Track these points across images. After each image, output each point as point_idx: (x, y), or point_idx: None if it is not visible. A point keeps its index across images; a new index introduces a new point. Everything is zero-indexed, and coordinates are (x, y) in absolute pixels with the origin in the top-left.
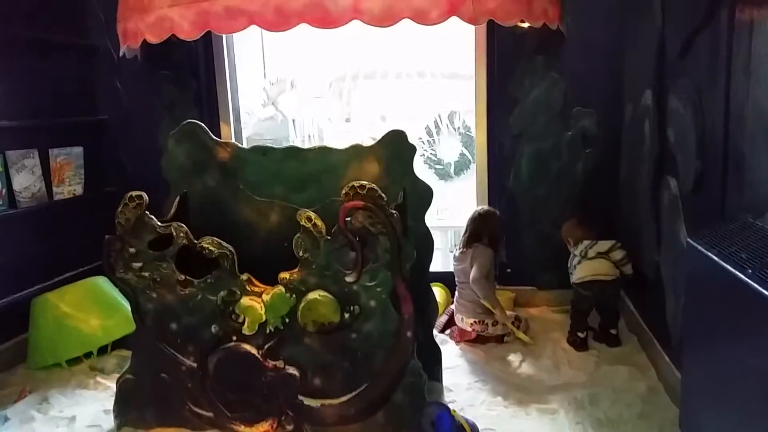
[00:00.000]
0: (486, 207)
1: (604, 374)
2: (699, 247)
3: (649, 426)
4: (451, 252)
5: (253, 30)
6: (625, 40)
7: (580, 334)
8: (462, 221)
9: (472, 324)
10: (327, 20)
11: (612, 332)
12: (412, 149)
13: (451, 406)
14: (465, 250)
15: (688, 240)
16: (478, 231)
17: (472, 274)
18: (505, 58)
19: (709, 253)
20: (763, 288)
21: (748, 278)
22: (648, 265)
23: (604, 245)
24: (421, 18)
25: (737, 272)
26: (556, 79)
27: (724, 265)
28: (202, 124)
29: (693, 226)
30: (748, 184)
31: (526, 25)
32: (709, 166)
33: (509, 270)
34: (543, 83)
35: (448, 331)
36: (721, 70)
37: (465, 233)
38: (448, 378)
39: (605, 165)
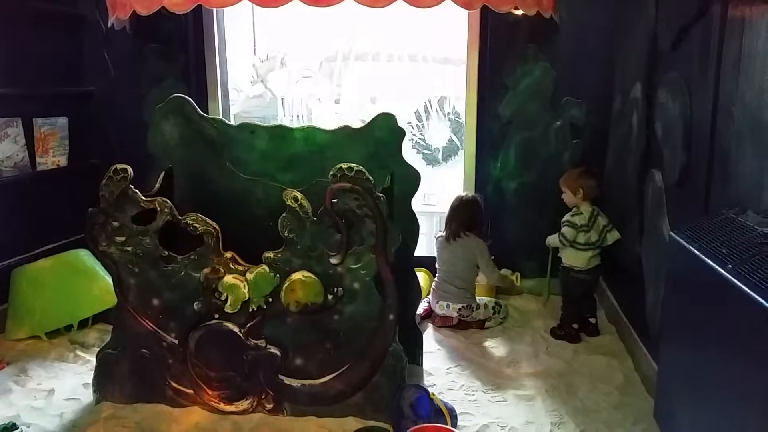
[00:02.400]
0: (469, 193)
1: (582, 363)
2: (681, 241)
3: (624, 416)
4: (435, 237)
5: (245, 5)
6: (618, 32)
7: (574, 326)
8: (448, 207)
9: (459, 309)
10: None
11: (592, 321)
12: (401, 133)
13: (430, 389)
14: (453, 239)
15: (671, 233)
16: (465, 219)
17: (488, 274)
18: (498, 45)
19: (691, 247)
20: (743, 284)
21: (728, 273)
22: (630, 257)
23: (609, 239)
24: (416, 0)
25: (718, 267)
26: (548, 68)
27: (705, 259)
28: (190, 99)
29: (676, 219)
30: (733, 180)
31: (519, 12)
32: (695, 161)
33: (492, 257)
34: (534, 72)
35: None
36: (711, 65)
37: (451, 221)
38: (428, 362)
39: (592, 155)
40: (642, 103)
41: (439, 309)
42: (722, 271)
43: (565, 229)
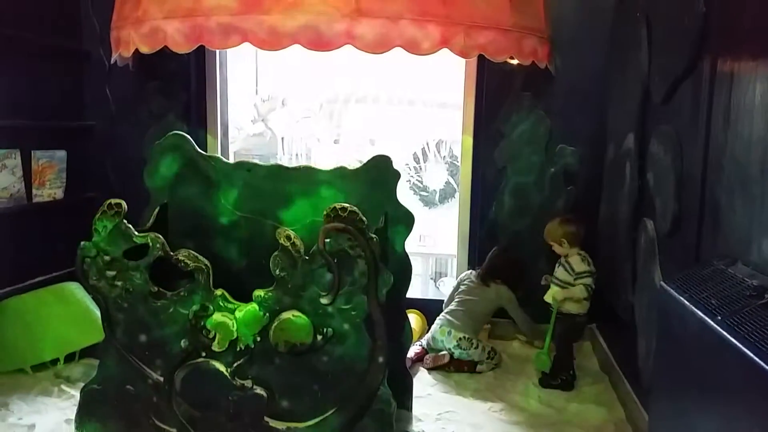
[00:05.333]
0: (508, 243)
1: (573, 412)
2: (671, 291)
3: None
4: (433, 278)
5: (247, 47)
6: (611, 83)
7: (570, 372)
8: (445, 249)
9: (459, 339)
10: (320, 43)
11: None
12: (396, 175)
13: None
14: (486, 283)
15: (661, 283)
16: (504, 272)
17: (522, 322)
18: (494, 92)
19: (681, 298)
20: (731, 335)
21: (718, 325)
22: (622, 305)
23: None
24: (413, 48)
25: (707, 318)
26: (542, 116)
27: (695, 310)
28: (188, 136)
29: (668, 269)
30: (723, 231)
31: (515, 61)
32: (686, 211)
33: None
34: (529, 119)
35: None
36: (702, 118)
37: (492, 267)
38: (418, 407)
39: (586, 203)
40: (634, 153)
41: (440, 335)
42: (711, 323)
43: (586, 280)
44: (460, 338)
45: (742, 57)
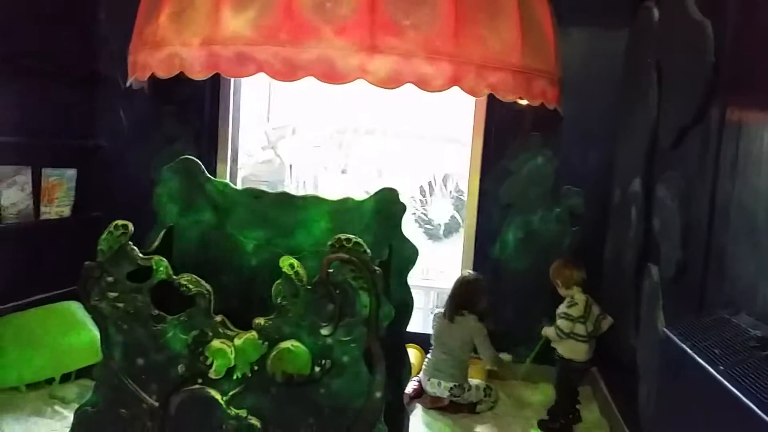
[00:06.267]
0: (472, 273)
1: None
2: (674, 338)
3: None
4: (432, 313)
5: (262, 76)
6: (620, 127)
7: (570, 416)
8: (447, 283)
9: (450, 388)
10: (333, 76)
11: (577, 408)
12: (402, 208)
13: None
14: (452, 319)
15: (665, 330)
16: (465, 299)
17: (487, 356)
18: (502, 131)
19: (684, 345)
20: (733, 386)
21: (720, 374)
22: (624, 350)
23: (604, 326)
24: (425, 84)
25: (709, 367)
26: (550, 156)
27: (697, 359)
28: (198, 161)
29: (671, 315)
30: (728, 279)
31: (524, 102)
32: (691, 258)
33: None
34: (536, 159)
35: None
36: (709, 166)
37: (452, 300)
38: None
39: (591, 244)
40: (641, 197)
41: (430, 387)
42: (714, 372)
43: (560, 322)
44: (451, 388)
45: (751, 107)
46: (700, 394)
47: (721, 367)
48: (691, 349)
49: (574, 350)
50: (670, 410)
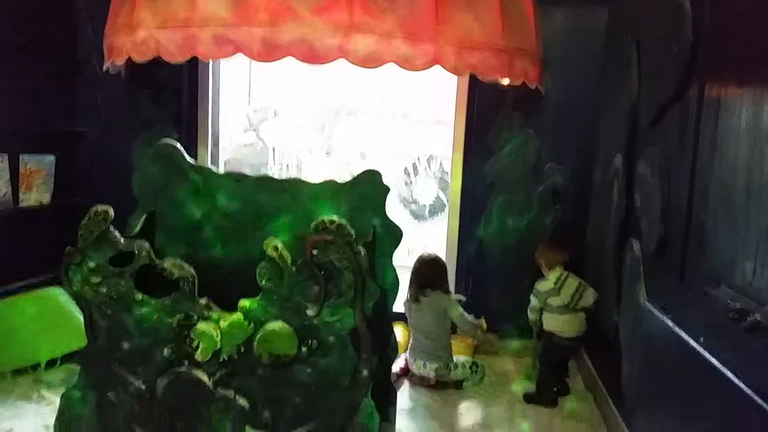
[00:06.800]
0: (428, 252)
1: (557, 429)
2: (655, 312)
3: None
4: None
5: (240, 58)
6: (601, 105)
7: (555, 389)
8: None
9: (436, 369)
10: (313, 56)
11: (565, 380)
12: (386, 190)
13: None
14: (417, 299)
15: (646, 303)
16: (427, 277)
17: (465, 327)
18: (484, 110)
19: (665, 318)
20: (713, 357)
21: (700, 346)
22: (607, 325)
23: (588, 298)
24: (406, 64)
25: (690, 340)
26: (531, 135)
27: (678, 331)
28: (178, 145)
29: (653, 289)
30: (708, 253)
31: (506, 81)
32: (672, 233)
33: (471, 315)
34: (518, 137)
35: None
36: (689, 142)
37: (413, 282)
38: (401, 421)
39: (573, 222)
40: (622, 174)
41: (416, 368)
42: (694, 344)
43: (530, 298)
44: (436, 368)
45: (729, 83)
46: (681, 366)
47: (702, 339)
48: (672, 322)
49: (553, 323)
50: (652, 382)
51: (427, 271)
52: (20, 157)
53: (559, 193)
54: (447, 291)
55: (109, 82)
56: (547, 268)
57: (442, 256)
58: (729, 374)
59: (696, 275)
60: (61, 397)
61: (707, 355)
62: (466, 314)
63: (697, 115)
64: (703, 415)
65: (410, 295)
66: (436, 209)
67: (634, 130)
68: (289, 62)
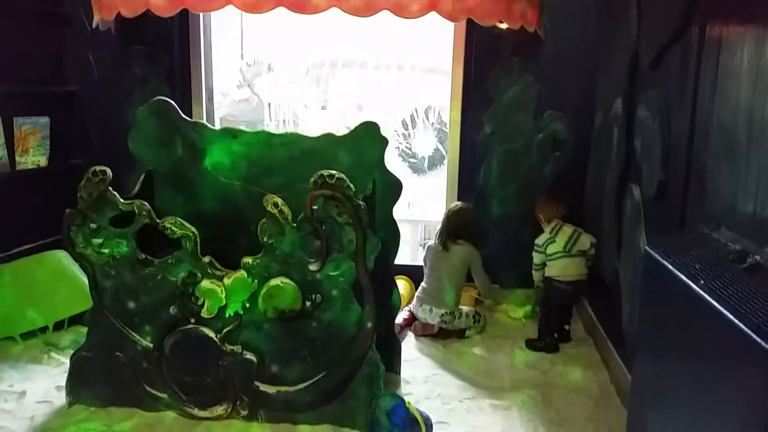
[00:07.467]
0: (461, 203)
1: (558, 374)
2: (655, 255)
3: (597, 427)
4: (422, 246)
5: (231, 10)
6: (601, 49)
7: (555, 335)
8: (434, 216)
9: (442, 315)
10: (305, 6)
11: (566, 328)
12: (384, 141)
13: (406, 398)
14: (447, 247)
15: (646, 248)
16: (460, 227)
17: (481, 283)
18: (482, 57)
19: (665, 262)
20: (713, 299)
21: (700, 289)
22: (607, 270)
23: (583, 242)
24: (401, 11)
25: (690, 282)
26: (531, 82)
27: (678, 274)
28: (172, 102)
29: (653, 234)
30: (708, 196)
31: (504, 26)
32: (672, 177)
33: None
34: (518, 84)
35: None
36: (689, 84)
37: (446, 229)
38: (406, 370)
39: (573, 169)
40: (622, 118)
41: (422, 313)
42: (694, 287)
43: (533, 254)
44: (442, 314)
45: (730, 22)
46: (681, 308)
47: (702, 282)
48: (672, 266)
49: (551, 268)
50: (652, 325)
51: (460, 221)
52: (14, 119)
53: (559, 141)
54: (476, 241)
55: (99, 39)
56: (546, 222)
57: (442, 207)
58: (728, 315)
59: (696, 219)
60: (71, 359)
61: (707, 296)
62: (485, 274)
63: (697, 56)
64: (701, 352)
65: (440, 242)
66: (435, 161)
67: (634, 73)
68: (282, 14)
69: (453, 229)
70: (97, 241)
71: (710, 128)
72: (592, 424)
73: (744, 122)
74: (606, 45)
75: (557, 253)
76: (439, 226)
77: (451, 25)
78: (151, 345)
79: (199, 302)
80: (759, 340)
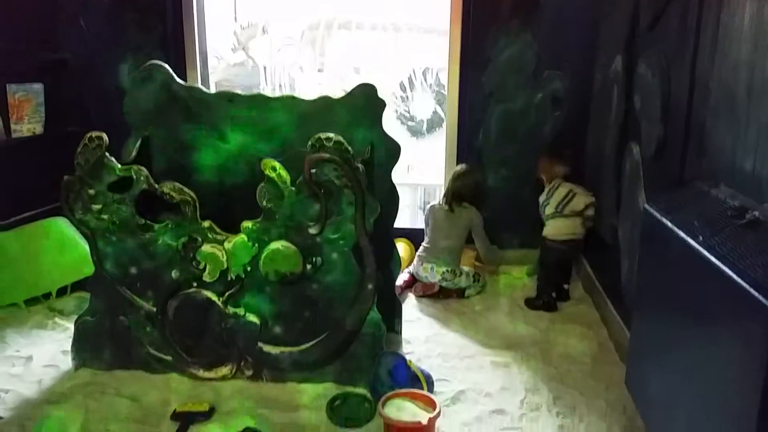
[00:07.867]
0: (467, 166)
1: (557, 332)
2: (654, 213)
3: (596, 382)
4: (421, 209)
5: None
6: (600, 7)
7: (553, 294)
8: (433, 179)
9: (444, 273)
10: None
11: (565, 287)
12: (382, 104)
13: (408, 357)
14: (452, 209)
15: (645, 205)
16: (466, 190)
17: (483, 246)
18: (481, 17)
19: (664, 219)
20: (712, 255)
21: (699, 245)
22: (606, 229)
23: (577, 203)
24: None
25: (689, 239)
26: (530, 41)
27: (677, 231)
28: (167, 66)
29: (652, 192)
30: (708, 153)
31: None
32: (672, 134)
33: None
34: (516, 44)
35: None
36: (690, 40)
37: (452, 191)
38: (407, 330)
39: (572, 128)
40: (622, 76)
41: (423, 272)
42: (693, 243)
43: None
44: (443, 272)
45: None
46: (680, 265)
47: (701, 238)
48: (671, 223)
49: (546, 228)
50: (651, 283)
51: (468, 184)
52: (7, 86)
53: (558, 100)
54: (480, 204)
55: (91, 5)
56: (547, 182)
57: (441, 170)
58: (727, 270)
59: (696, 175)
60: (75, 324)
61: (706, 253)
62: (486, 236)
63: (698, 11)
64: (699, 308)
65: (446, 203)
66: (434, 124)
67: (634, 30)
68: None
69: (459, 191)
70: (97, 207)
71: (710, 85)
72: (591, 380)
73: (744, 79)
74: (606, 3)
75: (551, 213)
76: (445, 187)
77: None
78: (154, 309)
79: (201, 266)
80: (757, 294)
